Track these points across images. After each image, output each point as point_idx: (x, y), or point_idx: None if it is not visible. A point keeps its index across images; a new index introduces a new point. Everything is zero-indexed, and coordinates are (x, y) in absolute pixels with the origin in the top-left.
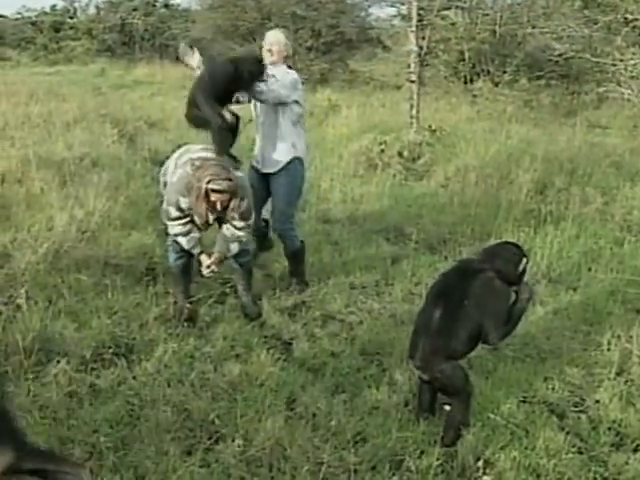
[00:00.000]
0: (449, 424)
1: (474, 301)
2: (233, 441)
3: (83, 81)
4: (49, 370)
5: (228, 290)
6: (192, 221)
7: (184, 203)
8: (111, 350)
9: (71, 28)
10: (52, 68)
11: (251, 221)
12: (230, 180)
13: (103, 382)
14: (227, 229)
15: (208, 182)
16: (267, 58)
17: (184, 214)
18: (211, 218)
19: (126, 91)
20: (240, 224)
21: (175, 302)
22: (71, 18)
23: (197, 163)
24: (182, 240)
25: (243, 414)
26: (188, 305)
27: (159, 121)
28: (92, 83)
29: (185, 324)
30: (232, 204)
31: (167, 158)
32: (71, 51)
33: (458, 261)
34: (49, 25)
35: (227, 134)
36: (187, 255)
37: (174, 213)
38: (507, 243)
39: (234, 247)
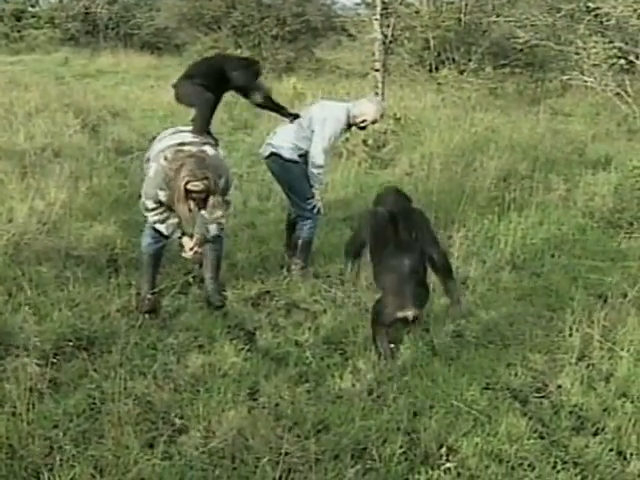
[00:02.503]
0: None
1: (420, 235)
2: (195, 433)
3: (46, 70)
4: (8, 364)
5: (191, 280)
6: (169, 208)
7: (163, 196)
8: (72, 343)
9: (33, 17)
10: (14, 57)
11: (229, 197)
12: (206, 178)
13: (64, 376)
14: (206, 211)
15: (186, 183)
16: None
17: (162, 205)
18: (192, 214)
19: (90, 80)
20: (219, 199)
21: (138, 293)
22: (32, 6)
23: (169, 155)
24: (161, 227)
25: (205, 405)
26: (150, 296)
27: (123, 111)
28: (55, 72)
29: (147, 315)
30: (211, 200)
31: (131, 148)
32: (34, 40)
33: (387, 211)
34: (10, 14)
35: (207, 112)
36: (161, 243)
37: (151, 205)
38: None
39: (213, 228)
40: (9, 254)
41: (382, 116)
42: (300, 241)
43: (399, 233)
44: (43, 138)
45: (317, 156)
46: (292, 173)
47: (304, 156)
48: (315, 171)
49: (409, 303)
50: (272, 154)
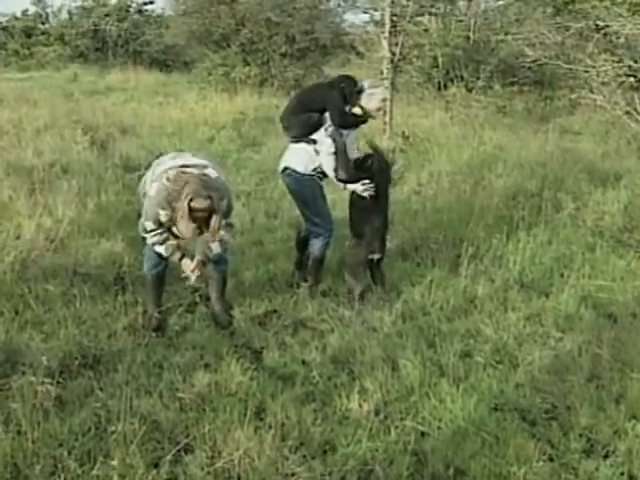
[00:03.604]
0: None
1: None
2: (201, 453)
3: (55, 87)
4: (14, 382)
5: (198, 299)
6: (168, 229)
7: (164, 216)
8: (78, 361)
9: (43, 33)
10: (24, 74)
11: (231, 220)
12: (210, 197)
13: (70, 394)
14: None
15: (190, 201)
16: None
17: (161, 227)
18: (194, 234)
19: (99, 97)
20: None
21: (144, 311)
22: (43, 23)
23: (171, 175)
24: (160, 249)
25: (211, 425)
26: (157, 314)
27: (131, 127)
28: (64, 89)
29: (154, 334)
30: (213, 220)
31: (139, 165)
32: (43, 56)
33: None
34: (20, 30)
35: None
36: (163, 264)
37: (150, 226)
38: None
39: (215, 247)
40: (16, 271)
41: (384, 100)
42: (311, 258)
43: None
44: (51, 154)
45: (331, 173)
46: (306, 187)
47: (319, 171)
48: (342, 184)
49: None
50: (286, 168)
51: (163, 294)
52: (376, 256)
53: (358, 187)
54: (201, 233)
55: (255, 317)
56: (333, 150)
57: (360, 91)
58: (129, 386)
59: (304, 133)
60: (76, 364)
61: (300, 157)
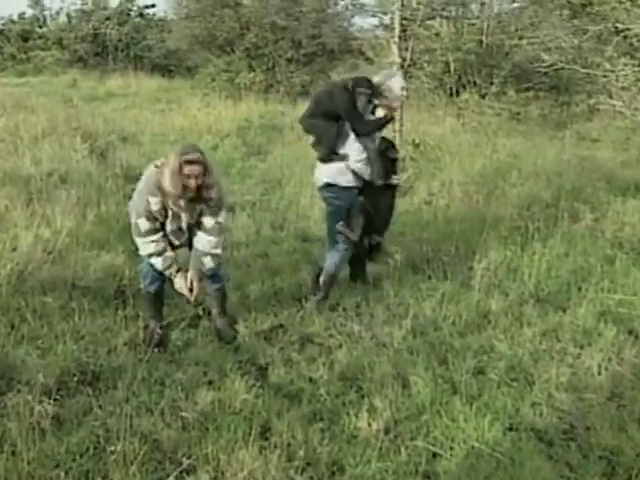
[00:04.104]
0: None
1: None
2: (204, 474)
3: (53, 93)
4: (9, 400)
5: (201, 313)
6: (165, 235)
7: (155, 204)
8: (76, 378)
9: (40, 37)
10: (21, 79)
11: (222, 218)
12: (201, 153)
13: (67, 412)
14: (199, 241)
15: (181, 155)
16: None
17: (156, 226)
18: (187, 198)
19: (99, 103)
20: (212, 222)
21: (145, 326)
22: (40, 27)
23: (159, 163)
24: (157, 261)
25: (215, 444)
26: (158, 329)
27: (132, 135)
28: (63, 95)
29: (155, 349)
30: (206, 180)
31: (141, 174)
32: (41, 61)
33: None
34: (17, 34)
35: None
36: (160, 280)
37: (144, 225)
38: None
39: (208, 261)
40: (12, 284)
41: (403, 88)
42: (324, 272)
43: None
44: (50, 163)
45: (367, 177)
46: (345, 201)
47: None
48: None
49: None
50: (328, 184)
51: (164, 308)
52: (379, 239)
53: (393, 182)
54: (192, 201)
55: (260, 332)
56: (364, 156)
57: (377, 89)
58: (129, 404)
59: (331, 151)
60: (74, 381)
61: (339, 171)
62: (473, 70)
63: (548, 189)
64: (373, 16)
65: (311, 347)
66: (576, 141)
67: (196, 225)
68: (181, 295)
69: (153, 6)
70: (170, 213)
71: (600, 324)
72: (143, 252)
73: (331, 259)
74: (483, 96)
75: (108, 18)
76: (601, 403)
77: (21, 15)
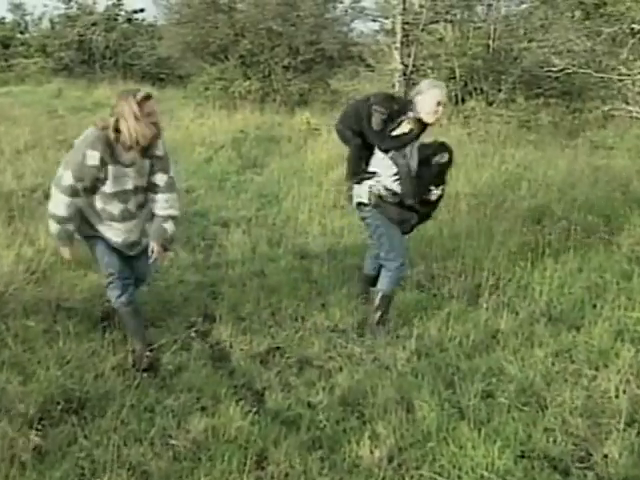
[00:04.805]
0: None
1: None
2: None
3: (37, 103)
4: None
5: (194, 334)
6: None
7: (91, 159)
8: (60, 406)
9: (22, 44)
10: (2, 88)
11: (173, 174)
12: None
13: (50, 443)
14: (156, 205)
15: (133, 96)
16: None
17: (78, 187)
18: (146, 143)
19: (85, 114)
20: (164, 177)
21: (134, 350)
22: (22, 33)
23: (98, 122)
24: (54, 227)
25: (208, 475)
26: (148, 353)
27: None
28: (47, 105)
29: (145, 374)
30: (157, 143)
31: None
32: (23, 69)
33: None
34: None
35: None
36: (130, 286)
37: (68, 179)
38: None
39: (169, 226)
40: None
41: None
42: (380, 294)
43: None
44: (33, 178)
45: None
46: (381, 220)
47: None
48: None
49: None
50: (360, 204)
51: (155, 330)
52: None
53: (431, 197)
54: (144, 153)
55: (256, 355)
56: (394, 171)
57: (406, 104)
58: (117, 433)
59: (360, 171)
60: (58, 409)
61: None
62: (480, 76)
63: (560, 201)
64: (374, 20)
65: (310, 370)
66: (589, 150)
67: (148, 189)
68: (172, 315)
69: (142, 11)
70: (111, 173)
71: (617, 344)
72: (51, 208)
73: (385, 279)
74: (490, 103)
75: (94, 24)
76: (619, 429)
77: (0, 20)
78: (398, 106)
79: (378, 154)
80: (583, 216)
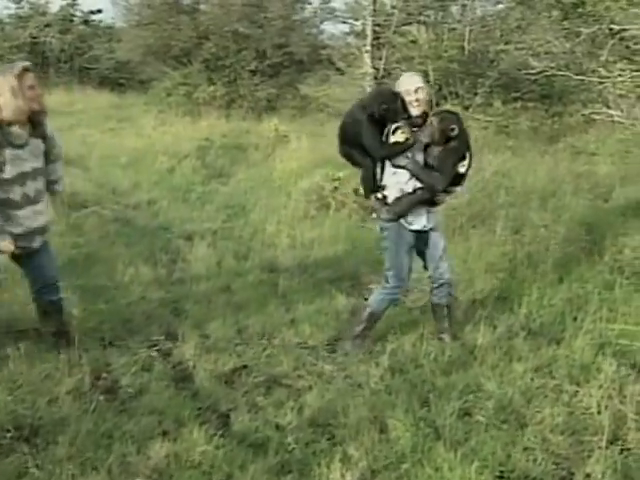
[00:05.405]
0: None
1: None
2: None
3: None
4: None
5: (155, 354)
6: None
7: None
8: (10, 434)
9: None
10: None
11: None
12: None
13: None
14: (52, 172)
15: (12, 70)
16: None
17: None
18: (28, 117)
19: None
20: (57, 148)
21: (92, 371)
22: None
23: None
24: None
25: None
26: (106, 374)
27: (79, 157)
28: None
29: (103, 397)
30: (44, 120)
31: (87, 202)
32: None
33: None
34: None
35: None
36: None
37: None
38: None
39: (60, 187)
40: None
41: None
42: (367, 309)
43: None
44: None
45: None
46: (388, 234)
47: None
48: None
49: None
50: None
51: (114, 350)
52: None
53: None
54: (34, 129)
55: (222, 375)
56: (406, 174)
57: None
58: (72, 461)
59: (371, 187)
60: (8, 437)
61: (380, 204)
62: (455, 80)
63: (540, 210)
64: (344, 22)
65: (278, 390)
66: (571, 156)
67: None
68: (133, 334)
69: (99, 12)
70: (7, 157)
71: (599, 358)
72: None
73: (376, 296)
74: (467, 108)
75: (48, 25)
76: (602, 447)
77: None
78: (387, 104)
79: (388, 167)
80: (564, 225)
